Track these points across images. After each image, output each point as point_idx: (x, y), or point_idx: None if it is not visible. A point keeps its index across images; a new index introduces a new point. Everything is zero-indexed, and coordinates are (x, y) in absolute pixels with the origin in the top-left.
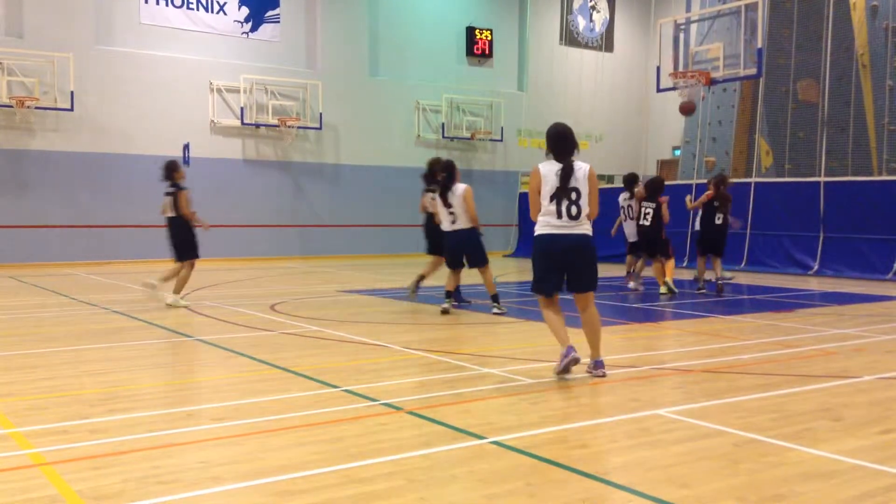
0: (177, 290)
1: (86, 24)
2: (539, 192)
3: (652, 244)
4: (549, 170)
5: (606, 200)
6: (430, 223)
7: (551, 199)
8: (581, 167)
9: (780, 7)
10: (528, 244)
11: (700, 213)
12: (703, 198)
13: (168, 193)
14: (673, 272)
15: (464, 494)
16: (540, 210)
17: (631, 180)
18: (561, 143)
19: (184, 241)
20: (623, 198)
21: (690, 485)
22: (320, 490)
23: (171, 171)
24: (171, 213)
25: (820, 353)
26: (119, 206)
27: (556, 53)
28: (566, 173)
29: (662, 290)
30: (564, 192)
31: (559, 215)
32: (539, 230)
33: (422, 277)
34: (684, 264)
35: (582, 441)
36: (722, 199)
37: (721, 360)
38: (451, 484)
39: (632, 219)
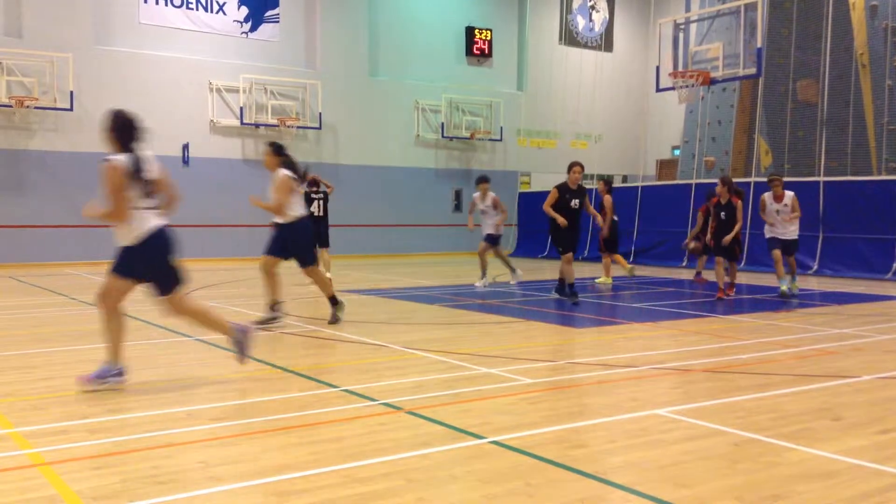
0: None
1: (85, 24)
2: (127, 188)
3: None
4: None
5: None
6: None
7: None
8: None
9: (779, 7)
10: (528, 244)
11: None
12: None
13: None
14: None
15: (463, 494)
16: (129, 206)
17: (484, 179)
18: (139, 130)
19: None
20: (478, 196)
21: (689, 484)
22: (320, 490)
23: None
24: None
25: (819, 352)
26: None
27: (555, 53)
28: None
29: (608, 281)
30: (149, 183)
31: (157, 207)
32: (152, 223)
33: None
34: (684, 264)
35: (581, 441)
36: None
37: (720, 360)
38: (451, 484)
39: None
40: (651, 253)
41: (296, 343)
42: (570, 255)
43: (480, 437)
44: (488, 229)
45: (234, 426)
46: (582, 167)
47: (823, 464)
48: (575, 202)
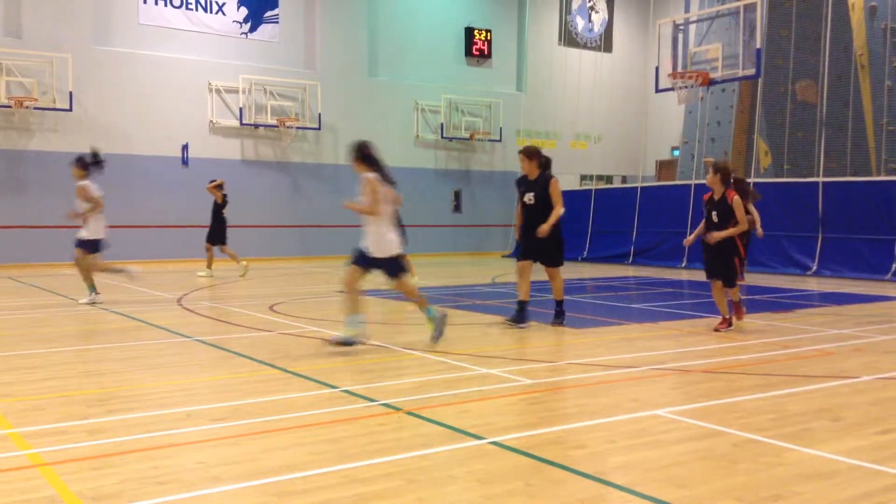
0: None
1: (84, 24)
2: None
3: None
4: None
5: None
6: None
7: None
8: None
9: (778, 7)
10: None
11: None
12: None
13: None
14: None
15: (463, 495)
16: None
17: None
18: None
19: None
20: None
21: (689, 485)
22: (319, 490)
23: None
24: None
25: (819, 353)
26: (118, 207)
27: (554, 54)
28: None
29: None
30: None
31: None
32: None
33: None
34: (683, 264)
35: (580, 441)
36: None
37: (720, 361)
38: (450, 484)
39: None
40: (650, 253)
41: (296, 343)
42: (521, 262)
43: (480, 438)
44: (81, 231)
45: (234, 426)
46: (526, 154)
47: (823, 464)
48: (529, 196)
